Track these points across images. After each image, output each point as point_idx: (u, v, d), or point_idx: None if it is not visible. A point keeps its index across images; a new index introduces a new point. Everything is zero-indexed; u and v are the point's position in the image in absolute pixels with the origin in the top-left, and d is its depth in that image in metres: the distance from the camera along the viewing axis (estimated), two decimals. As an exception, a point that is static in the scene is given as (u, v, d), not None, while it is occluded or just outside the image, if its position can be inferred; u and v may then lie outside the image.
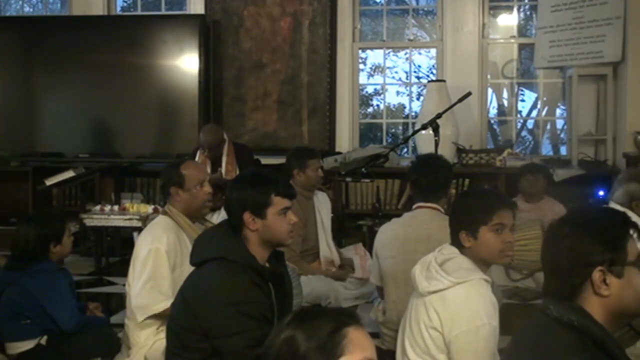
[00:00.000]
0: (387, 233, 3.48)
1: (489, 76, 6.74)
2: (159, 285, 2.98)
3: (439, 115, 4.21)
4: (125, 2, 8.24)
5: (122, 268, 4.28)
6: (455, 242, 2.45)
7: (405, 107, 8.18)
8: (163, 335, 2.78)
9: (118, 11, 7.26)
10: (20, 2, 8.06)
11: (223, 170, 5.26)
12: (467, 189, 6.04)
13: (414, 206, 3.45)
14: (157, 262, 3.00)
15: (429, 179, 3.35)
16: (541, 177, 5.18)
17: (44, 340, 3.28)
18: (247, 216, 2.38)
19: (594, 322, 1.55)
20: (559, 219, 1.68)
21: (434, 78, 6.76)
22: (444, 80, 6.19)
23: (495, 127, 8.07)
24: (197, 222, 3.18)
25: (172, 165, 3.26)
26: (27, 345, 3.26)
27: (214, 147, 5.23)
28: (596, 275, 1.57)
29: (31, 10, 8.87)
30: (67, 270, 3.48)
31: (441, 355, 2.36)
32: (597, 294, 1.57)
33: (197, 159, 5.33)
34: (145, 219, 5.19)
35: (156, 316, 3.00)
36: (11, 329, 3.27)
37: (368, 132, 8.01)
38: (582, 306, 1.58)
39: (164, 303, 2.93)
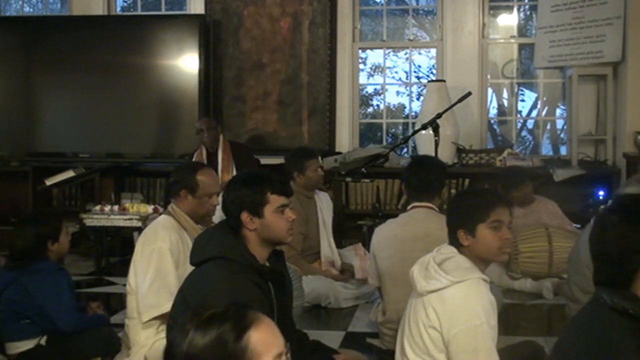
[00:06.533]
0: (384, 234, 3.49)
1: (489, 76, 6.73)
2: (165, 284, 2.97)
3: (439, 115, 4.21)
4: (125, 2, 8.24)
5: (122, 268, 4.28)
6: (453, 241, 2.46)
7: (405, 107, 8.18)
8: (163, 335, 2.78)
9: (118, 11, 7.26)
10: (20, 2, 8.06)
11: (219, 165, 5.28)
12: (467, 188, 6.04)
13: (409, 207, 3.48)
14: (161, 261, 2.99)
15: (420, 177, 3.38)
16: (522, 187, 5.07)
17: (43, 340, 3.27)
18: (244, 216, 2.39)
19: None
20: (606, 208, 1.66)
21: (434, 78, 6.76)
22: (444, 80, 6.18)
23: (495, 127, 8.07)
24: (199, 224, 3.17)
25: (188, 167, 3.22)
26: (27, 345, 3.26)
27: (211, 128, 5.36)
28: None
29: (31, 10, 8.87)
30: (66, 271, 3.47)
31: (440, 355, 2.36)
32: None
33: (194, 158, 5.35)
34: (145, 219, 5.19)
35: (158, 317, 3.00)
36: (11, 328, 3.27)
37: (368, 132, 8.01)
38: (636, 293, 1.57)
39: (171, 304, 2.93)
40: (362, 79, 7.82)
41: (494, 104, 8.18)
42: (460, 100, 4.38)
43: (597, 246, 1.65)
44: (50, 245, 3.34)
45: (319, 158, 4.85)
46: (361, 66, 7.48)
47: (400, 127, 8.18)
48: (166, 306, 2.92)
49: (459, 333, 2.30)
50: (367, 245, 4.96)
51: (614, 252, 1.58)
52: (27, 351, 3.26)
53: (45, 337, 3.28)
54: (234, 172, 5.23)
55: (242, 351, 1.30)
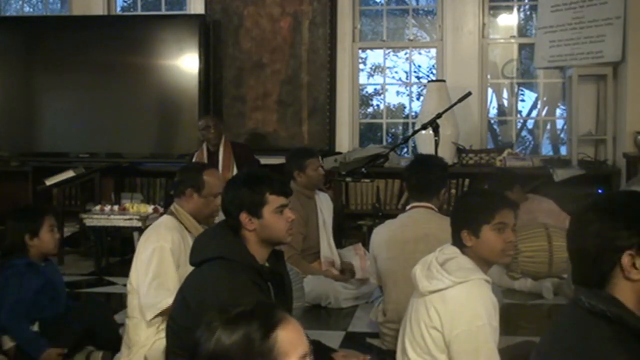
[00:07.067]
0: (383, 235, 3.49)
1: (489, 76, 6.73)
2: (164, 282, 2.98)
3: (439, 115, 4.21)
4: (125, 2, 8.24)
5: (122, 268, 4.29)
6: (457, 241, 2.46)
7: (405, 107, 8.18)
8: (163, 334, 2.78)
9: (118, 11, 7.26)
10: (20, 2, 8.06)
11: (220, 164, 5.30)
12: (467, 189, 6.04)
13: (408, 207, 3.48)
14: (162, 260, 2.99)
15: (418, 177, 3.38)
16: (511, 192, 5.01)
17: (35, 327, 3.31)
18: (243, 216, 2.39)
19: (626, 311, 1.52)
20: (584, 205, 1.65)
21: (434, 78, 6.76)
22: (444, 80, 6.18)
23: (495, 127, 8.07)
24: (202, 224, 3.18)
25: (193, 167, 3.24)
26: None
27: (218, 125, 5.44)
28: (625, 259, 1.52)
29: (31, 10, 8.87)
30: (39, 270, 3.41)
31: (441, 355, 2.36)
32: (628, 279, 1.53)
33: (194, 159, 5.36)
34: (145, 219, 5.19)
35: (160, 314, 3.00)
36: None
37: (368, 132, 8.01)
38: (613, 294, 1.55)
39: (169, 299, 2.93)
40: (362, 79, 7.82)
41: (494, 104, 8.19)
42: (460, 100, 4.38)
43: (574, 244, 1.63)
44: (29, 240, 3.34)
45: (319, 158, 4.86)
46: (361, 66, 7.48)
47: (400, 127, 8.18)
48: (164, 302, 2.93)
49: (461, 334, 2.30)
50: (367, 245, 4.97)
51: (591, 250, 1.57)
52: None
53: (37, 324, 3.32)
54: (235, 172, 5.24)
55: (268, 350, 1.30)
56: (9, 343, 3.28)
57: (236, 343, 1.30)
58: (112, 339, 3.44)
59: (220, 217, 2.73)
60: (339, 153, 6.35)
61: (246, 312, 1.35)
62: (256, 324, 1.32)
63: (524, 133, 8.87)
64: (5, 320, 3.24)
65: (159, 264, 2.99)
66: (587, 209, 1.62)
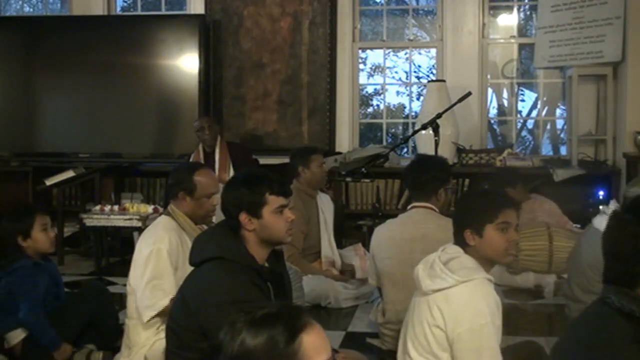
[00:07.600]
0: (383, 234, 3.49)
1: (489, 76, 6.73)
2: (161, 284, 2.98)
3: (439, 115, 4.21)
4: (125, 2, 8.24)
5: (122, 268, 4.29)
6: (459, 241, 2.46)
7: (405, 107, 8.18)
8: (163, 335, 2.78)
9: (118, 11, 7.26)
10: (20, 2, 8.06)
11: (216, 164, 5.30)
12: (467, 189, 6.04)
13: (409, 206, 3.48)
14: (159, 263, 2.99)
15: (414, 176, 3.38)
16: (511, 192, 4.98)
17: None
18: (243, 217, 2.38)
19: None
20: (623, 206, 1.67)
21: (434, 78, 6.76)
22: (444, 80, 6.18)
23: (495, 127, 8.07)
24: (200, 224, 3.17)
25: (185, 168, 3.20)
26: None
27: (213, 126, 5.42)
28: None
29: (31, 10, 8.87)
30: (46, 264, 3.46)
31: (444, 354, 2.36)
32: None
33: (191, 160, 5.36)
34: (145, 219, 5.19)
35: (158, 314, 3.00)
36: (7, 321, 3.30)
37: (368, 132, 8.01)
38: None
39: (166, 300, 2.93)
40: (362, 79, 7.82)
41: (494, 104, 8.18)
42: (460, 100, 4.38)
43: (610, 243, 1.66)
44: (22, 241, 3.34)
45: (322, 156, 4.88)
46: (361, 66, 7.48)
47: (400, 127, 8.18)
48: (160, 304, 2.94)
49: (464, 332, 2.30)
50: (367, 245, 4.96)
51: (627, 250, 1.59)
52: (28, 336, 3.29)
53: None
54: (232, 172, 5.24)
55: (293, 353, 1.29)
56: (18, 337, 3.28)
57: (260, 345, 1.29)
58: (113, 326, 3.48)
59: (219, 216, 2.72)
60: (339, 153, 6.36)
61: (271, 314, 1.34)
62: (281, 326, 1.31)
63: (524, 133, 8.87)
64: (26, 319, 3.25)
65: (155, 267, 2.99)
66: (625, 209, 1.65)
